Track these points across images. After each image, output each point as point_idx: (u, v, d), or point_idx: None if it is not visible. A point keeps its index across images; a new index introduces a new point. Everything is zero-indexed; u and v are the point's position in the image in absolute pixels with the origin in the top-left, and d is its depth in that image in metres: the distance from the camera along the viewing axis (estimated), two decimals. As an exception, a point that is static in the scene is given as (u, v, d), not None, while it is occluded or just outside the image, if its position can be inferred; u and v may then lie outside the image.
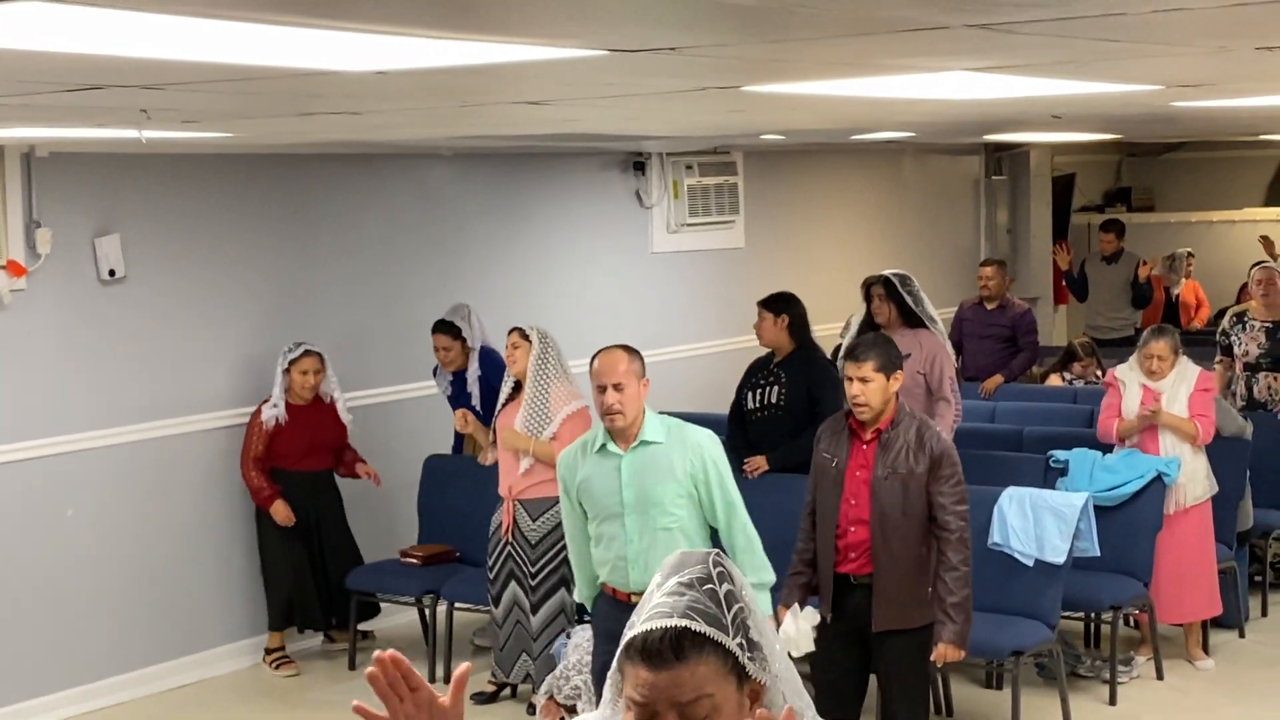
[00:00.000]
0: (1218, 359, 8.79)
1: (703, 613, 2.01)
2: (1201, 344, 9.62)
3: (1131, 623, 7.49)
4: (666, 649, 1.99)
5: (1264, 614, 8.23)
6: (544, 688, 6.56)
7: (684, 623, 2.00)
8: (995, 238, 13.28)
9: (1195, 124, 9.01)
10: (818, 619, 5.45)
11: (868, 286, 8.17)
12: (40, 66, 3.41)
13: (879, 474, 5.37)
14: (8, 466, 7.06)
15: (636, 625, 2.04)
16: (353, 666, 7.80)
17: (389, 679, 1.96)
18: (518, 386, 6.95)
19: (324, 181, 8.31)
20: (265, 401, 7.69)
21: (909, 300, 7.74)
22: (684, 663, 1.99)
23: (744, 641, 2.03)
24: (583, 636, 6.38)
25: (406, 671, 1.97)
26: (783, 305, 7.62)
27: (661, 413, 5.43)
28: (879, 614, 5.39)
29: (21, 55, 3.15)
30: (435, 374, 8.28)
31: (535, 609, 6.85)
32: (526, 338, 6.90)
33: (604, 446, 5.31)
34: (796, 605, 5.48)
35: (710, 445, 5.31)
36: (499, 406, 7.07)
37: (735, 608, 2.04)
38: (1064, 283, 12.50)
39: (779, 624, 5.36)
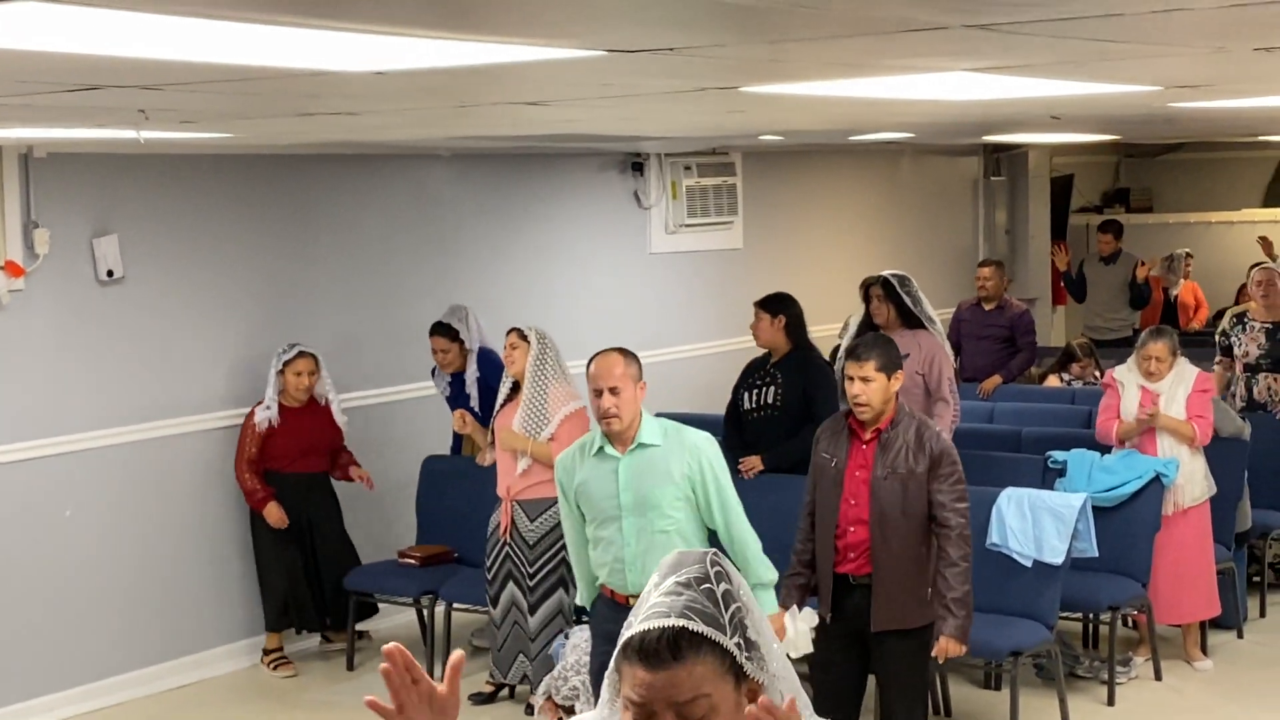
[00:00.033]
0: (1217, 360, 8.78)
1: (700, 612, 2.01)
2: (1200, 345, 9.62)
3: (1130, 623, 7.50)
4: (664, 649, 1.99)
5: (1262, 615, 8.24)
6: (542, 688, 6.56)
7: (681, 622, 2.00)
8: (994, 238, 13.27)
9: (1194, 125, 9.02)
10: (816, 620, 5.46)
11: (866, 287, 8.18)
12: (39, 66, 3.41)
13: (878, 474, 5.37)
14: (6, 467, 7.05)
15: (634, 625, 2.03)
16: (351, 667, 7.79)
17: (399, 671, 1.99)
18: (516, 387, 6.95)
19: (322, 182, 8.31)
20: (259, 404, 7.69)
21: (908, 301, 7.74)
22: (681, 662, 1.99)
23: (741, 641, 2.02)
24: (581, 637, 6.38)
25: (409, 663, 2.00)
26: (779, 306, 7.61)
27: (659, 414, 5.44)
28: (878, 614, 5.38)
29: (21, 55, 3.15)
30: (433, 375, 8.28)
31: (533, 609, 6.84)
32: (525, 338, 6.89)
33: (601, 449, 5.32)
34: (795, 606, 5.49)
35: (708, 447, 5.31)
36: (497, 407, 7.06)
37: (733, 607, 2.03)
38: (1062, 283, 12.49)
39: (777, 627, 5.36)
